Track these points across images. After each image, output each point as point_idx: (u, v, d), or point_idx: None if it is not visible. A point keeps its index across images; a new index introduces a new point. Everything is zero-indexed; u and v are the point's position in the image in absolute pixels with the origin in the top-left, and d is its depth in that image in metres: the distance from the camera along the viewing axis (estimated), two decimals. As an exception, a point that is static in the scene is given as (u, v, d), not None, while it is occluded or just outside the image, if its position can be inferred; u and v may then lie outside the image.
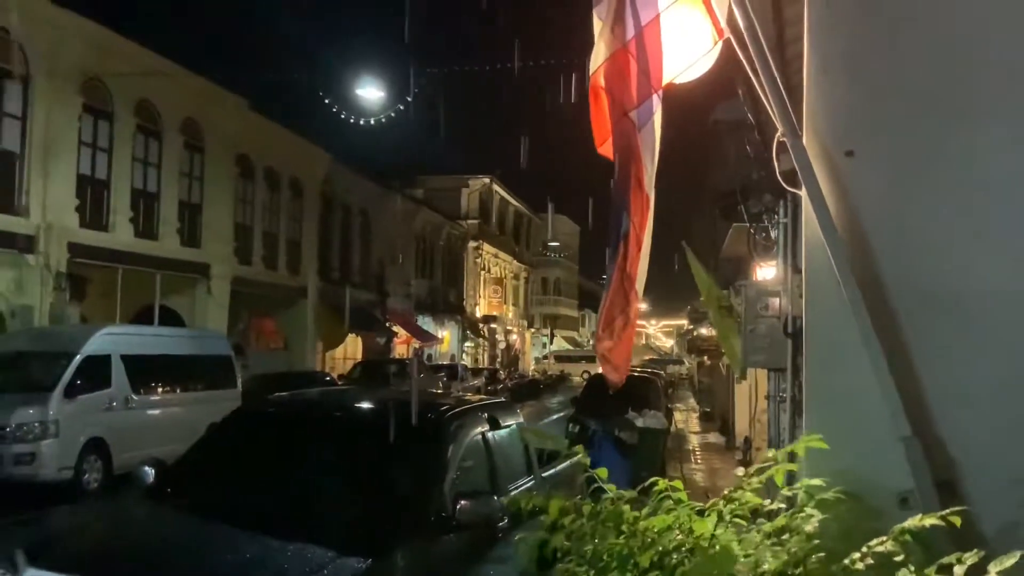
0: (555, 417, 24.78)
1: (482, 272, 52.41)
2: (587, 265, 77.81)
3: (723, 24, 2.67)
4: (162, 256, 21.49)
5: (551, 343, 66.75)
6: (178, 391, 15.61)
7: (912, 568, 1.85)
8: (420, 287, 41.11)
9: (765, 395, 9.99)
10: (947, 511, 1.96)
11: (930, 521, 1.93)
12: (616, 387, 3.21)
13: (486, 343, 53.11)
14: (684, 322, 58.93)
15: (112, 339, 14.47)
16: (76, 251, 18.42)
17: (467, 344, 49.12)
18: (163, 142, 21.94)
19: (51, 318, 17.65)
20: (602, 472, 2.78)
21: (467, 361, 45.44)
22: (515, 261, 60.16)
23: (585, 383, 21.69)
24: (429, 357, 40.04)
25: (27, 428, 12.44)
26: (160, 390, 15.28)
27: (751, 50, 2.50)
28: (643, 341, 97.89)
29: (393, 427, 5.88)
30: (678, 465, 17.78)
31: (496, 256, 54.99)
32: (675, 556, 2.15)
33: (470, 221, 49.71)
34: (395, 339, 37.19)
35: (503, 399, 7.50)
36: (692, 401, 37.94)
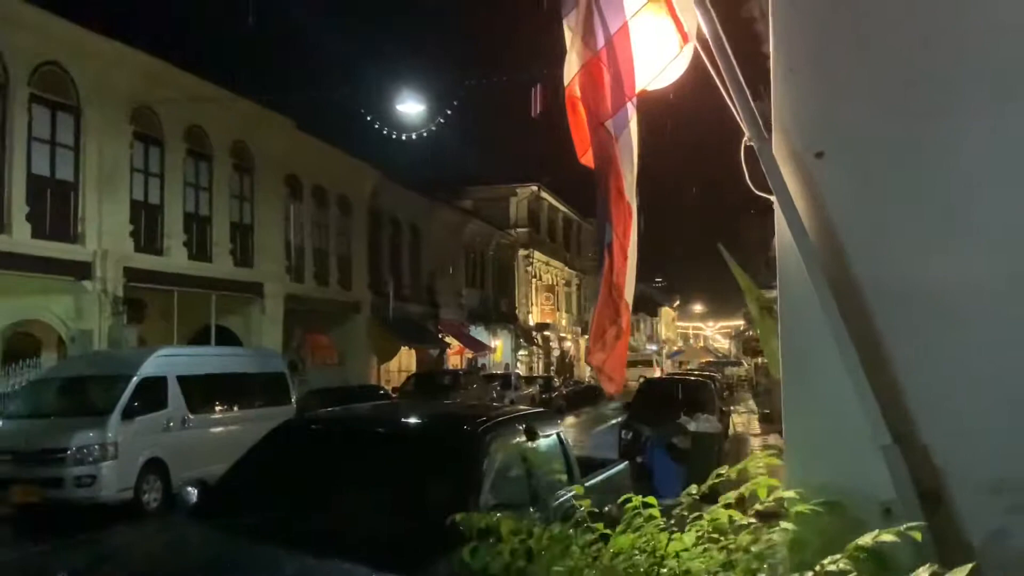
0: (612, 423, 24.62)
1: (533, 280, 52.38)
2: (641, 268, 77.29)
3: (687, 28, 2.63)
4: (216, 277, 21.92)
5: (606, 349, 66.29)
6: (234, 409, 15.86)
7: None
8: (471, 297, 41.25)
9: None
10: (906, 526, 1.90)
11: (887, 537, 1.87)
12: (610, 396, 3.18)
13: (540, 351, 53.02)
14: (741, 323, 58.19)
15: (167, 360, 14.76)
16: (132, 275, 18.88)
17: (521, 352, 49.10)
18: (213, 165, 22.40)
19: (110, 342, 18.10)
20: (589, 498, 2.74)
21: (521, 370, 45.40)
22: (566, 268, 60.02)
23: (637, 389, 21.52)
24: (483, 367, 40.11)
25: (87, 450, 12.75)
26: (216, 409, 15.54)
27: (715, 53, 2.45)
28: (701, 343, 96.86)
29: (428, 441, 5.90)
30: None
31: (547, 263, 54.94)
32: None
33: (519, 229, 49.73)
34: (448, 350, 37.35)
35: (541, 409, 7.45)
36: (751, 403, 37.37)
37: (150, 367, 14.16)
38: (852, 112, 2.36)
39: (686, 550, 2.26)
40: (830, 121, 2.39)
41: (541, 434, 6.39)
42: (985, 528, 2.06)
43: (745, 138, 2.40)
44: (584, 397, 40.08)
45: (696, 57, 2.64)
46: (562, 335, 58.68)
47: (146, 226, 19.96)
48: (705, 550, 2.20)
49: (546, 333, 53.78)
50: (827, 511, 2.07)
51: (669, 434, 14.02)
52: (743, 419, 29.68)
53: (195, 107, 20.74)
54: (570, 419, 32.97)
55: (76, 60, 17.91)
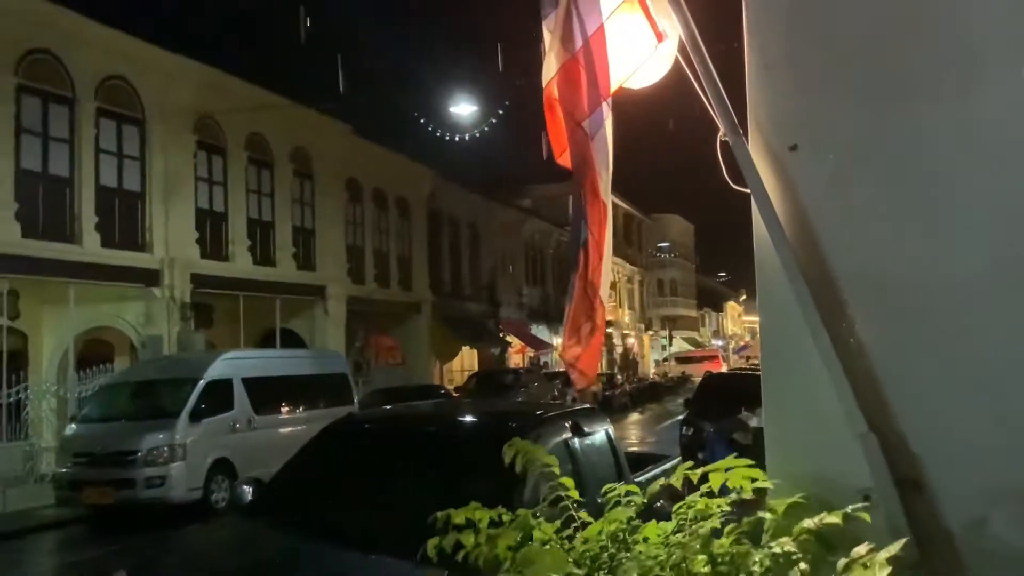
0: (676, 419, 24.43)
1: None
2: (704, 263, 76.46)
3: (661, 27, 2.64)
4: (280, 281, 22.37)
5: (670, 345, 65.80)
6: (297, 410, 16.18)
7: (803, 568, 1.81)
8: (532, 296, 41.31)
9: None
10: (852, 507, 1.92)
11: (830, 520, 1.90)
12: (583, 392, 3.23)
13: (603, 348, 52.83)
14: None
15: (233, 364, 15.13)
16: (199, 281, 19.40)
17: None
18: (274, 172, 22.88)
19: (179, 346, 18.62)
20: (567, 481, 2.76)
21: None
22: (628, 264, 59.67)
23: (699, 385, 21.26)
24: (544, 364, 40.14)
25: (157, 452, 13.16)
26: (280, 410, 15.87)
27: (688, 49, 2.45)
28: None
29: (474, 438, 5.95)
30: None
31: (608, 260, 54.72)
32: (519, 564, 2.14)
33: (580, 227, 49.57)
34: (509, 349, 37.47)
35: (589, 406, 7.45)
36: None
37: (216, 370, 14.53)
38: (825, 106, 2.36)
39: (663, 537, 2.29)
40: (804, 115, 2.39)
41: (588, 431, 6.39)
42: (964, 514, 2.06)
43: (720, 133, 2.40)
44: (648, 393, 39.87)
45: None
46: (625, 332, 58.36)
47: (211, 233, 20.49)
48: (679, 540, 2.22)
49: (609, 330, 53.55)
50: (805, 499, 2.08)
51: (730, 430, 13.83)
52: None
53: (255, 116, 21.22)
54: (634, 415, 32.83)
55: (140, 74, 18.47)
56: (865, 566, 1.68)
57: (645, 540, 2.32)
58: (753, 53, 2.44)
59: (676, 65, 2.71)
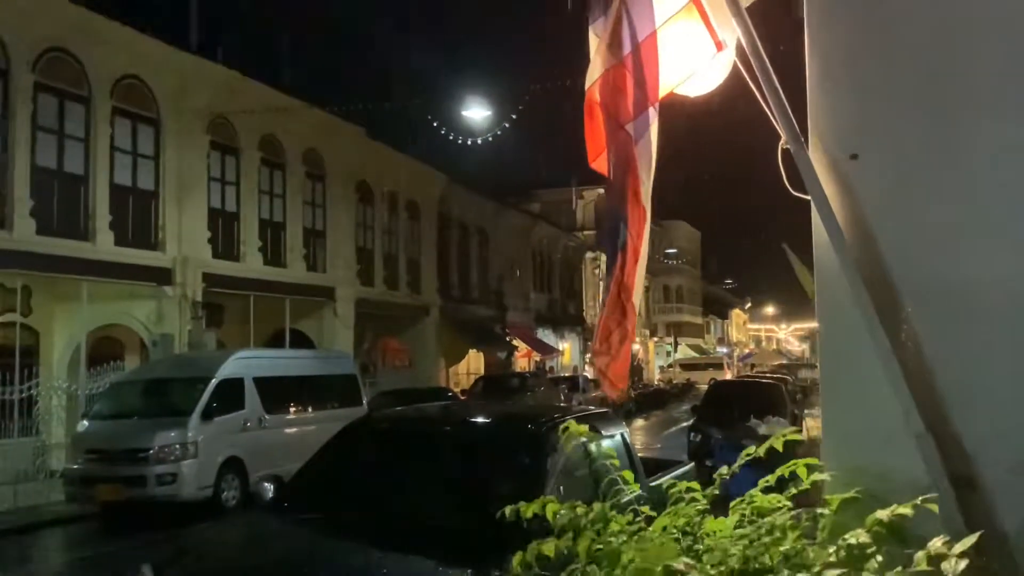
0: (682, 426, 24.43)
1: (601, 283, 52.27)
2: (710, 271, 76.53)
3: (720, 36, 2.68)
4: (290, 282, 22.46)
5: (675, 351, 65.81)
6: (307, 410, 16.24)
7: (880, 558, 1.87)
8: (539, 300, 41.36)
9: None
10: (922, 499, 1.98)
11: (904, 510, 1.95)
12: (616, 402, 3.26)
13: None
14: (815, 324, 57.03)
15: (245, 363, 15.20)
16: (211, 281, 19.49)
17: (588, 355, 49.02)
18: (287, 173, 22.98)
19: (190, 345, 18.70)
20: (628, 474, 2.81)
21: (589, 373, 45.33)
22: (635, 270, 59.71)
23: (707, 390, 21.30)
24: (550, 369, 40.18)
25: (169, 450, 13.22)
26: (290, 410, 15.93)
27: (751, 58, 2.50)
28: (774, 346, 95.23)
29: (494, 439, 6.01)
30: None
31: (615, 266, 54.77)
32: (630, 554, 2.19)
33: (587, 232, 49.70)
34: (516, 353, 37.52)
35: (606, 409, 7.50)
36: (826, 406, 36.58)
37: (228, 369, 14.60)
38: (886, 114, 2.42)
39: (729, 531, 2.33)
40: (865, 124, 2.45)
41: (605, 434, 6.44)
42: (1019, 515, 2.11)
43: (781, 141, 2.46)
44: (654, 400, 39.85)
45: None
46: (631, 338, 58.37)
47: (223, 233, 20.59)
48: (743, 534, 2.27)
49: (614, 336, 53.55)
50: (863, 496, 2.14)
51: (739, 437, 13.87)
52: (818, 423, 29.05)
53: (269, 117, 21.32)
54: (639, 422, 32.82)
55: (156, 73, 18.59)
56: (939, 559, 1.73)
57: (713, 534, 2.37)
58: (814, 61, 2.49)
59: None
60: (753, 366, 62.33)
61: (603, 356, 2.91)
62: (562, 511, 2.43)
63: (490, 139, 19.92)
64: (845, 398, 2.46)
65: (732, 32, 2.64)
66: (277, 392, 15.52)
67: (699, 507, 2.50)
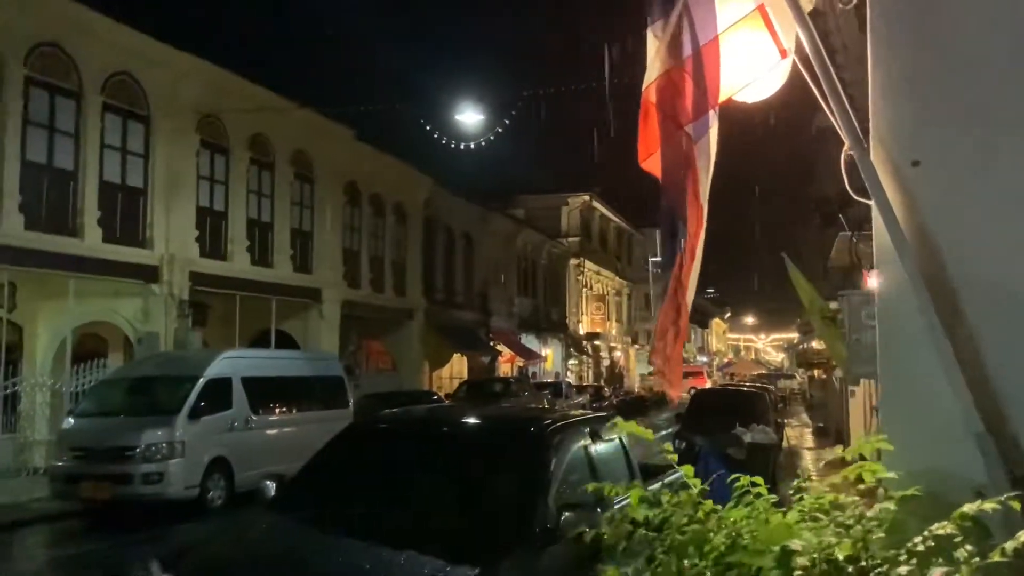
0: (663, 433, 24.54)
1: (584, 289, 52.39)
2: (661, 287, 76.58)
3: (785, 44, 2.75)
4: (277, 282, 22.40)
5: (656, 359, 65.90)
6: (294, 411, 16.21)
7: (968, 549, 1.93)
8: (523, 306, 41.42)
9: (873, 407, 9.75)
10: (1008, 495, 2.03)
11: (989, 505, 2.01)
12: (673, 404, 3.30)
13: (590, 360, 52.97)
14: (795, 335, 57.42)
15: (232, 363, 15.15)
16: (197, 280, 19.41)
17: (571, 362, 49.11)
18: (275, 173, 22.92)
19: (175, 344, 18.61)
20: (688, 469, 2.87)
21: (571, 379, 45.42)
22: (617, 277, 59.91)
23: (690, 399, 21.44)
24: (533, 375, 40.23)
25: (155, 449, 13.17)
26: (277, 410, 15.89)
27: (815, 66, 2.58)
28: (752, 355, 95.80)
29: (498, 440, 6.06)
30: (791, 481, 17.33)
31: (598, 273, 54.91)
32: (747, 539, 2.25)
33: (571, 239, 49.83)
34: (499, 358, 37.54)
35: (604, 413, 7.57)
36: (805, 416, 36.90)
37: (216, 369, 14.55)
38: (947, 122, 2.50)
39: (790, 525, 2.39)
40: (927, 131, 2.53)
41: (605, 437, 6.51)
42: None
43: (845, 147, 2.53)
44: (634, 407, 39.91)
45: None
46: (612, 345, 58.53)
47: (211, 232, 20.50)
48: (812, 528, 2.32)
49: (596, 343, 53.70)
50: (923, 494, 2.21)
51: (723, 444, 13.98)
52: (796, 432, 29.33)
53: (259, 117, 21.27)
54: (621, 429, 32.83)
55: (147, 70, 18.50)
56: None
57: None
58: (877, 70, 2.57)
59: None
60: (732, 375, 62.64)
61: (660, 356, 2.96)
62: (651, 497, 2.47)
63: (483, 144, 19.98)
64: (905, 398, 2.54)
65: (792, 40, 2.71)
66: (264, 392, 15.49)
67: (768, 501, 2.56)
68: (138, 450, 13.10)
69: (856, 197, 2.58)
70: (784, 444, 23.03)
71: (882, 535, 2.11)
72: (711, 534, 2.29)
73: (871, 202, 2.49)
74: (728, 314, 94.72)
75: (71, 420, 14.62)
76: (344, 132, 25.05)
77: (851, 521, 2.26)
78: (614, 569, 2.46)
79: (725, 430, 14.56)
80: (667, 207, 3.02)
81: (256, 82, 21.24)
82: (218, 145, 20.89)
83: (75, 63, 16.96)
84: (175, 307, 18.73)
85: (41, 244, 15.87)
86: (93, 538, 12.78)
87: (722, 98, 2.84)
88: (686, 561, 2.24)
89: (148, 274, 18.35)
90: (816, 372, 36.14)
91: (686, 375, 56.73)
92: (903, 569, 1.89)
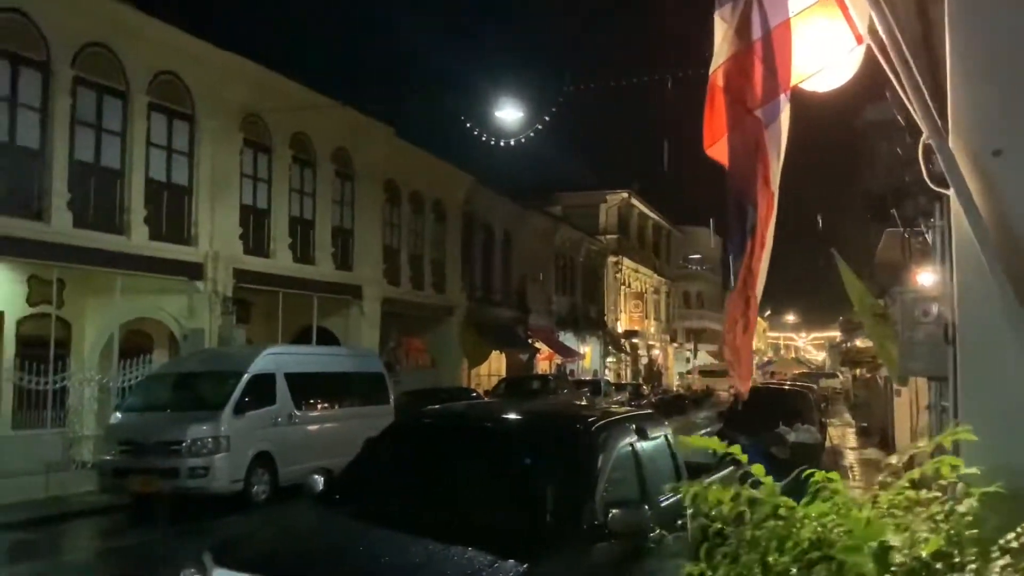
0: (703, 432, 24.30)
1: (622, 287, 52.17)
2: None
3: (861, 29, 2.68)
4: (318, 280, 22.58)
5: (695, 357, 65.53)
6: (336, 407, 16.32)
7: None
8: (561, 303, 41.35)
9: (926, 405, 9.55)
10: None
11: None
12: (744, 398, 3.21)
13: (628, 358, 52.74)
14: (836, 334, 56.64)
15: (276, 359, 15.30)
16: (241, 277, 19.62)
17: (609, 359, 48.93)
18: (317, 172, 23.11)
19: (220, 340, 18.82)
20: (759, 468, 2.81)
21: (609, 376, 45.26)
22: (655, 275, 59.56)
23: (732, 398, 21.23)
24: (571, 373, 40.16)
25: (201, 443, 13.32)
26: (320, 406, 16.02)
27: (891, 54, 2.51)
28: (792, 354, 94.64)
29: (545, 437, 6.03)
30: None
31: (636, 271, 54.63)
32: (833, 534, 2.20)
33: (609, 236, 49.64)
34: (538, 355, 37.52)
35: (650, 411, 7.51)
36: (847, 416, 36.39)
37: (260, 364, 14.70)
38: None
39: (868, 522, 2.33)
40: (1007, 120, 2.46)
41: (651, 435, 6.46)
42: None
43: (923, 136, 2.47)
44: (673, 405, 39.66)
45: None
46: (650, 343, 58.21)
47: (254, 230, 20.73)
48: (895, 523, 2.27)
49: (634, 340, 53.43)
50: (1006, 490, 2.15)
51: (767, 444, 13.82)
52: (838, 432, 28.95)
53: (301, 115, 21.46)
54: (660, 427, 32.65)
55: (192, 70, 18.74)
56: None
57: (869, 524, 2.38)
58: (955, 58, 2.51)
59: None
60: (773, 374, 61.94)
61: (729, 347, 2.90)
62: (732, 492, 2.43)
63: (522, 140, 19.92)
64: (985, 391, 2.48)
65: (864, 26, 2.64)
66: (307, 388, 15.61)
67: (846, 497, 2.51)
68: (184, 444, 13.26)
69: (935, 188, 2.51)
70: (827, 443, 22.73)
71: (974, 531, 2.06)
72: (794, 529, 2.24)
73: (950, 192, 2.42)
74: (768, 312, 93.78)
75: (118, 415, 14.86)
76: (384, 130, 25.20)
77: (940, 517, 2.20)
78: (694, 565, 2.42)
79: (768, 429, 14.40)
80: (735, 193, 2.95)
81: (298, 81, 21.42)
82: (261, 144, 21.10)
83: (122, 63, 17.21)
84: (219, 304, 18.95)
85: (89, 241, 16.13)
86: (141, 531, 12.96)
87: (793, 83, 2.77)
88: (770, 558, 2.20)
89: (193, 271, 18.58)
90: (860, 371, 35.60)
91: (726, 373, 56.19)
92: (1001, 562, 1.84)
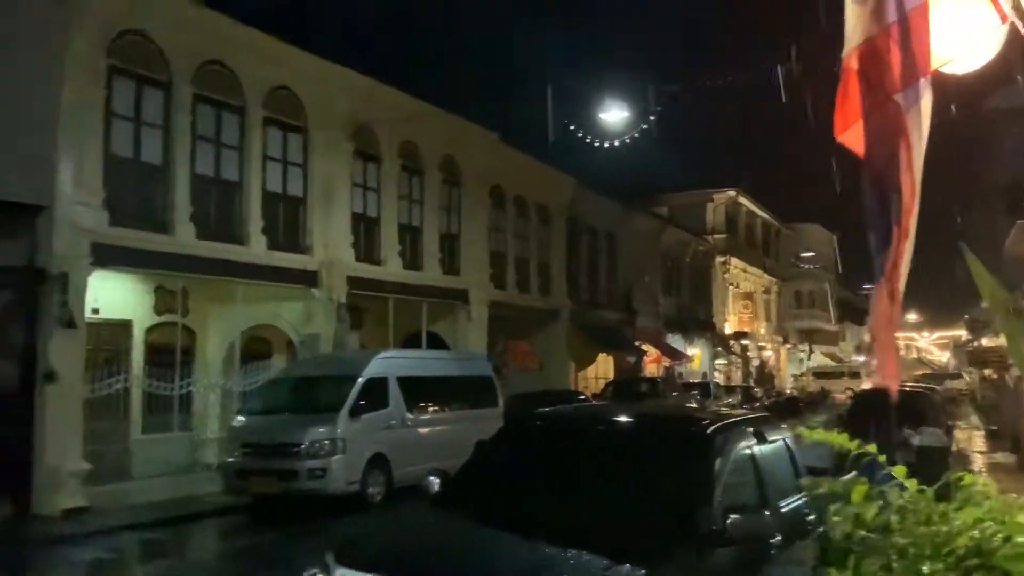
0: (819, 436, 23.54)
1: (730, 287, 51.10)
2: (846, 275, 73.49)
3: (1006, 6, 2.53)
4: (426, 285, 22.96)
5: (809, 358, 63.58)
6: (446, 410, 16.55)
7: None
8: (668, 305, 40.82)
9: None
10: None
11: None
12: (895, 400, 3.04)
13: (739, 360, 51.60)
14: (962, 333, 54.00)
15: (388, 363, 15.63)
16: (354, 284, 20.11)
17: (718, 362, 47.99)
18: (424, 179, 23.50)
19: (335, 345, 19.32)
20: (900, 470, 2.67)
21: (719, 379, 44.38)
22: (765, 274, 58.08)
23: (854, 399, 20.52)
24: (680, 375, 39.57)
25: (319, 445, 13.71)
26: (430, 409, 16.27)
27: None
28: (914, 355, 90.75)
29: (661, 440, 5.94)
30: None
31: (744, 270, 53.41)
32: (994, 541, 2.07)
33: (716, 236, 48.73)
34: (645, 358, 37.12)
35: (766, 414, 7.31)
36: (974, 419, 34.63)
37: (374, 368, 15.04)
38: None
39: None
40: None
41: (770, 438, 6.28)
42: None
43: None
44: (787, 409, 38.57)
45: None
46: (761, 344, 56.78)
47: (365, 237, 21.22)
48: None
49: (744, 342, 52.24)
50: None
51: (891, 448, 13.32)
52: (965, 435, 27.57)
53: (408, 124, 21.87)
54: (773, 431, 31.83)
55: (304, 84, 19.32)
56: None
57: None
58: None
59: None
60: (892, 375, 59.28)
61: (878, 344, 2.79)
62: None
63: (625, 142, 19.77)
64: None
65: (1010, 3, 2.50)
66: (418, 391, 15.89)
67: (997, 500, 2.38)
68: (303, 447, 13.66)
69: None
70: (953, 447, 21.68)
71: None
72: (953, 536, 2.12)
73: None
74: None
75: (241, 418, 15.45)
76: (489, 136, 25.43)
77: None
78: (838, 573, 2.32)
79: (892, 433, 13.85)
80: (875, 181, 2.82)
81: (404, 90, 21.84)
82: (370, 153, 21.58)
83: (238, 79, 17.87)
84: (334, 310, 19.45)
85: (211, 252, 16.79)
86: (263, 530, 13.46)
87: (934, 67, 2.63)
88: (924, 567, 2.09)
89: (309, 279, 19.14)
90: (987, 372, 33.88)
91: (840, 375, 54.35)
92: None
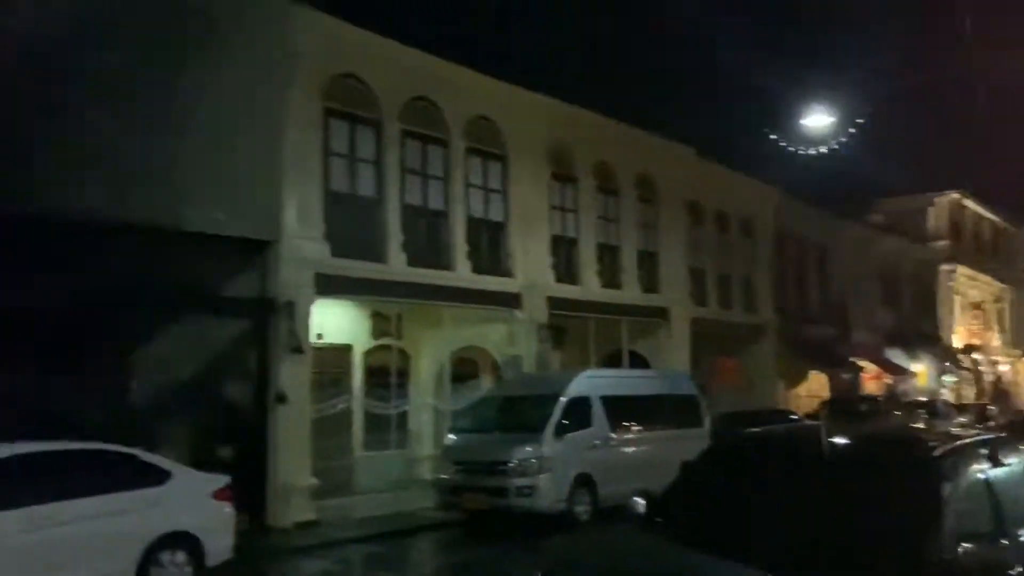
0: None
1: (956, 297, 47.29)
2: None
3: None
4: (625, 303, 22.94)
5: (1056, 373, 57.55)
6: (650, 430, 16.38)
7: None
8: (886, 318, 38.40)
9: None
10: None
11: None
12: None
13: (970, 376, 47.56)
14: None
15: (591, 382, 15.74)
16: (554, 304, 20.46)
17: (947, 378, 44.45)
18: (620, 198, 23.54)
19: (538, 365, 19.71)
20: None
21: (949, 397, 41.11)
22: (996, 282, 53.28)
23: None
24: (904, 393, 37.02)
25: (526, 464, 14.01)
26: (634, 428, 16.17)
27: None
28: None
29: (885, 463, 5.61)
30: None
31: (972, 278, 49.26)
32: None
33: (939, 242, 45.32)
34: (862, 375, 35.07)
35: (1002, 435, 6.73)
36: None
37: (576, 388, 15.19)
38: None
39: None
40: None
41: (1005, 461, 5.79)
42: None
43: None
44: (1028, 428, 35.20)
45: None
46: (994, 358, 52.05)
47: (564, 258, 21.54)
48: None
49: (975, 356, 48.12)
50: None
51: None
52: None
53: (602, 144, 22.04)
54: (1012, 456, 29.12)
55: (502, 112, 19.96)
56: None
57: None
58: None
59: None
60: None
61: None
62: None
63: (832, 148, 18.92)
64: None
65: None
66: (621, 411, 15.85)
67: None
68: (511, 464, 14.01)
69: None
70: None
71: None
72: None
73: None
74: None
75: (452, 436, 16.07)
76: (685, 151, 25.12)
77: None
78: None
79: None
80: None
81: (597, 111, 22.04)
82: (566, 175, 21.92)
83: (441, 112, 18.74)
84: (536, 331, 19.86)
85: (422, 278, 17.64)
86: (477, 545, 13.91)
87: None
88: None
89: (512, 301, 19.66)
90: None
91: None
92: None
